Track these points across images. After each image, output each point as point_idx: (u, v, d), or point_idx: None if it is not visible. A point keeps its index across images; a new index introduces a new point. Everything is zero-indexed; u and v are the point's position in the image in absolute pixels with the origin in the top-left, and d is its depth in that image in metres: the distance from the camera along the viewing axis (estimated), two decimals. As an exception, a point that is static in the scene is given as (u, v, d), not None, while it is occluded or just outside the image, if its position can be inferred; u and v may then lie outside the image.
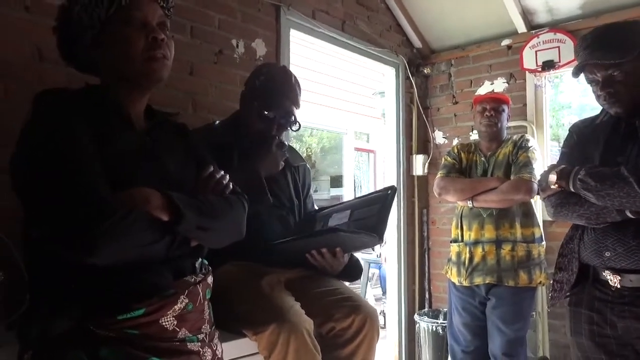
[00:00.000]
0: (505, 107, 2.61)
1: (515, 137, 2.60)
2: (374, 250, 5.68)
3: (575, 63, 1.57)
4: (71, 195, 0.89)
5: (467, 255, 2.53)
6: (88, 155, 0.94)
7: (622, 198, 1.35)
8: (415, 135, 3.69)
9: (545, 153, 3.21)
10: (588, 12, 3.04)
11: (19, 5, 1.65)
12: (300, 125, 1.77)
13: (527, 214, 2.50)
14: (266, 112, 1.68)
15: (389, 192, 1.67)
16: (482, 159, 2.62)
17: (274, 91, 1.71)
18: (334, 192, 8.72)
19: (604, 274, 1.47)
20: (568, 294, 1.58)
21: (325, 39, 2.91)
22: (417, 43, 3.67)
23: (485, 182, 2.52)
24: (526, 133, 3.10)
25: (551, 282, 1.67)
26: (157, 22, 1.08)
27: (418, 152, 3.67)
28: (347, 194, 8.22)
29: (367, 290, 5.38)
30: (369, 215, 1.66)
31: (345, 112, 7.82)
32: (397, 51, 3.51)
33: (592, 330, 1.49)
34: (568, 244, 1.60)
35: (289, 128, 1.76)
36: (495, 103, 2.59)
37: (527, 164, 2.43)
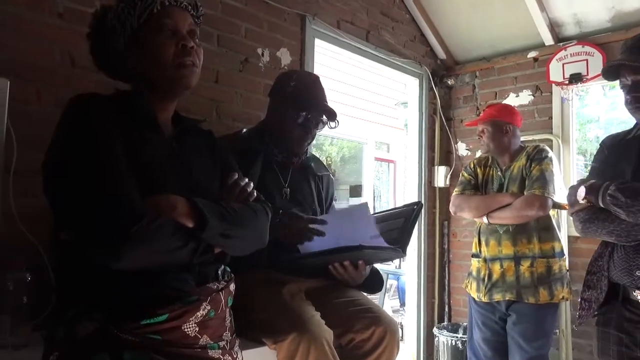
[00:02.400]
0: (498, 122, 2.52)
1: (529, 148, 2.51)
2: (392, 261, 5.63)
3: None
4: (101, 199, 0.91)
5: (486, 271, 2.49)
6: (118, 160, 0.95)
7: None
8: (438, 147, 3.66)
9: (571, 167, 3.16)
10: (618, 25, 2.99)
11: (53, 12, 1.70)
12: (339, 122, 1.78)
13: (546, 228, 2.44)
14: (303, 114, 1.70)
15: (415, 207, 1.66)
16: (499, 173, 2.56)
17: (308, 94, 1.73)
18: (353, 201, 8.69)
19: (634, 293, 1.43)
20: (596, 313, 1.53)
21: (349, 49, 2.92)
22: (442, 54, 3.65)
23: (498, 199, 2.47)
24: (551, 146, 3.05)
25: (578, 299, 1.63)
26: (187, 30, 1.10)
27: (440, 164, 3.64)
28: (366, 203, 8.18)
29: (384, 301, 5.33)
30: (392, 228, 1.64)
31: (366, 121, 7.82)
32: (421, 62, 3.50)
33: (621, 352, 1.45)
34: (597, 262, 1.56)
35: (328, 126, 1.78)
36: (483, 124, 2.56)
37: (540, 178, 2.35)
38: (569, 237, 2.83)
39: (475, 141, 3.62)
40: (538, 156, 2.42)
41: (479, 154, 3.52)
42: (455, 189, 2.65)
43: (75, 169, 0.93)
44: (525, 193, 2.38)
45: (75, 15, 1.72)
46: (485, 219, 2.48)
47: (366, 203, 1.66)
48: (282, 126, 1.73)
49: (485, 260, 2.51)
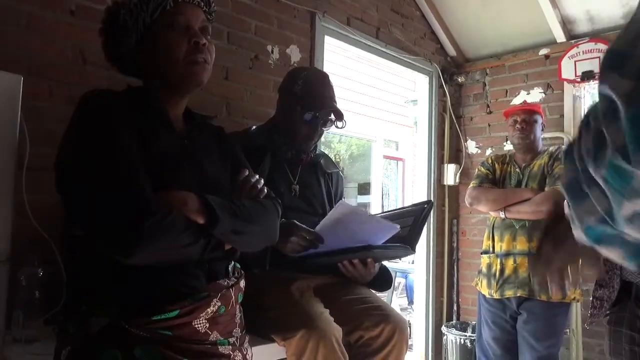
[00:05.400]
0: (538, 117, 2.55)
1: (552, 148, 2.54)
2: (400, 259, 5.62)
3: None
4: (113, 194, 0.91)
5: (498, 267, 2.48)
6: (131, 155, 0.95)
7: None
8: (447, 145, 3.64)
9: (582, 166, 3.12)
10: (631, 22, 2.96)
11: (65, 9, 1.71)
12: (346, 122, 1.78)
13: (563, 228, 2.43)
14: (311, 113, 1.70)
15: (426, 206, 1.66)
16: (517, 170, 2.57)
17: (316, 92, 1.73)
18: (361, 199, 8.68)
19: None
20: (608, 312, 1.52)
21: (359, 46, 2.91)
22: (452, 51, 3.63)
23: (518, 193, 2.47)
24: (563, 144, 3.02)
25: (590, 298, 1.62)
26: (200, 27, 1.10)
27: (450, 162, 3.63)
28: (374, 201, 8.17)
29: (392, 300, 5.33)
30: (402, 226, 1.64)
31: (375, 119, 7.80)
32: (431, 59, 3.48)
33: (634, 351, 1.44)
34: (609, 260, 1.55)
35: (335, 126, 1.78)
36: (526, 114, 2.54)
37: None
38: (579, 236, 2.81)
39: (485, 139, 3.60)
40: (562, 156, 2.42)
41: (489, 152, 3.51)
42: (472, 182, 2.64)
43: (87, 165, 0.93)
44: (546, 189, 2.38)
45: (87, 13, 1.73)
46: (501, 213, 2.47)
47: (361, 210, 1.64)
48: (290, 123, 1.73)
49: (497, 255, 2.50)
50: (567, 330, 2.84)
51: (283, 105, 1.80)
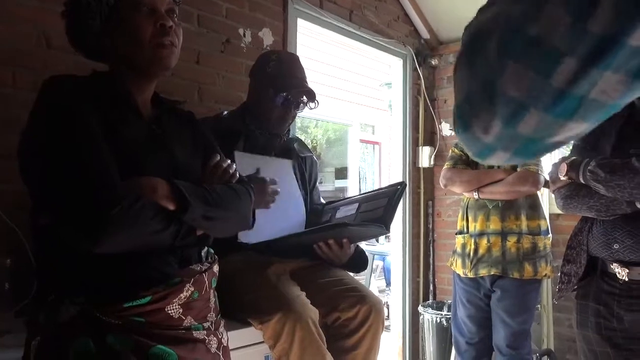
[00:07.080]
0: None
1: None
2: (377, 241, 5.69)
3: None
4: (79, 182, 0.89)
5: (472, 246, 2.53)
6: (97, 141, 0.93)
7: (632, 189, 1.34)
8: (422, 127, 3.66)
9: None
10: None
11: (27, -8, 1.65)
12: (319, 103, 1.78)
13: (533, 206, 2.49)
14: (283, 94, 1.69)
15: (399, 187, 1.67)
16: (490, 151, 2.61)
17: (287, 73, 1.73)
18: (339, 183, 8.72)
19: (612, 266, 1.46)
20: (575, 286, 1.57)
21: (332, 29, 2.88)
22: (425, 34, 3.63)
23: (491, 174, 2.51)
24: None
25: (559, 274, 1.66)
26: (166, 9, 1.07)
27: (424, 144, 3.65)
28: (351, 185, 8.21)
29: (371, 282, 5.39)
30: (376, 207, 1.66)
31: (350, 103, 7.80)
32: (404, 42, 3.48)
33: (599, 323, 1.49)
34: (576, 236, 1.59)
35: (308, 106, 1.78)
36: None
37: None
38: (550, 214, 2.88)
39: (459, 121, 3.64)
40: None
41: (462, 134, 3.55)
42: (446, 163, 2.67)
43: (53, 152, 0.91)
44: (518, 169, 2.42)
45: (50, -5, 1.67)
46: (475, 194, 2.52)
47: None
48: (262, 106, 1.72)
49: (471, 235, 2.54)
50: (539, 306, 2.93)
51: (255, 88, 1.79)
